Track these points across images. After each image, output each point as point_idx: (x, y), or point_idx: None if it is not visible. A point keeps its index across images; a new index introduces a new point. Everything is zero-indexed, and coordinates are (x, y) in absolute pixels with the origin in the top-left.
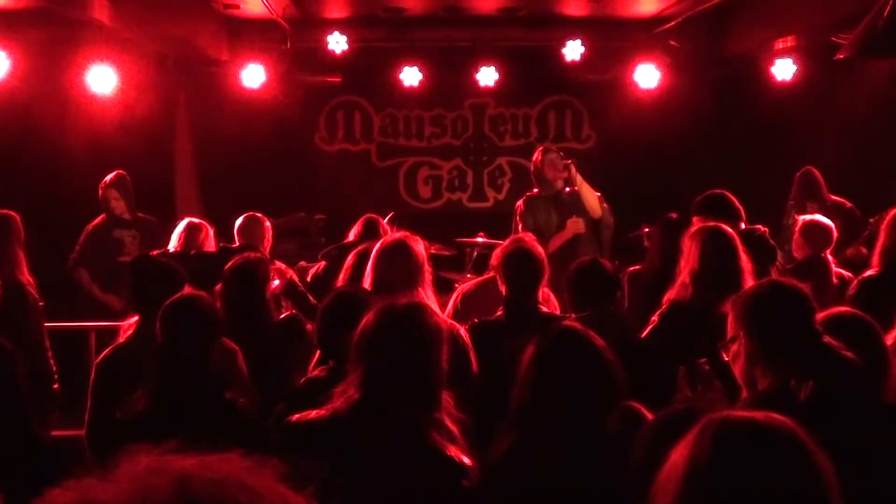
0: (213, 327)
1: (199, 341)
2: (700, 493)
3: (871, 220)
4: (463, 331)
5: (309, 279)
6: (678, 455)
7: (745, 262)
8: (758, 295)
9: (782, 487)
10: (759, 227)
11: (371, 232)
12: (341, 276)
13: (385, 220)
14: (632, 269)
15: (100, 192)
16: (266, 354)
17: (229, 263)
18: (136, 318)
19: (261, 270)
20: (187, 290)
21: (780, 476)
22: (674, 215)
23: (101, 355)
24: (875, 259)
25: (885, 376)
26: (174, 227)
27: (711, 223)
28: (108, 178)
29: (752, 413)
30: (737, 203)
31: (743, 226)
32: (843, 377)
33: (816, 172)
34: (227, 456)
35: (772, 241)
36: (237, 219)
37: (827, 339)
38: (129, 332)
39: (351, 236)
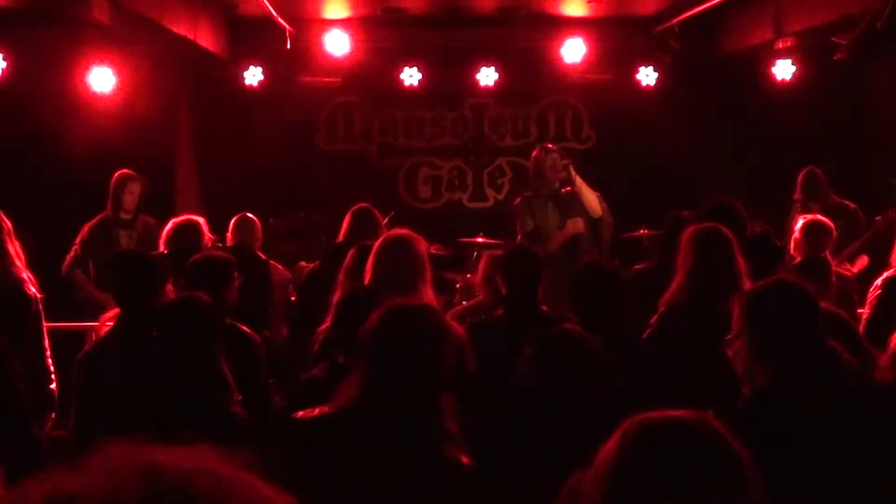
0: (211, 331)
1: (195, 344)
2: (623, 489)
3: (876, 219)
4: (460, 330)
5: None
6: (604, 453)
7: (741, 264)
8: (762, 293)
9: (702, 482)
10: (763, 224)
11: (363, 223)
12: (340, 274)
13: (385, 220)
14: (637, 266)
15: (114, 181)
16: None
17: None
18: (115, 311)
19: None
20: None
21: (700, 471)
22: (685, 213)
23: (83, 351)
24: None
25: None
26: None
27: (708, 224)
28: (128, 171)
29: (671, 412)
30: (742, 210)
31: (748, 231)
32: (842, 378)
33: (820, 172)
34: (197, 447)
35: (777, 242)
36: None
37: (829, 341)
38: (110, 326)
39: (342, 231)
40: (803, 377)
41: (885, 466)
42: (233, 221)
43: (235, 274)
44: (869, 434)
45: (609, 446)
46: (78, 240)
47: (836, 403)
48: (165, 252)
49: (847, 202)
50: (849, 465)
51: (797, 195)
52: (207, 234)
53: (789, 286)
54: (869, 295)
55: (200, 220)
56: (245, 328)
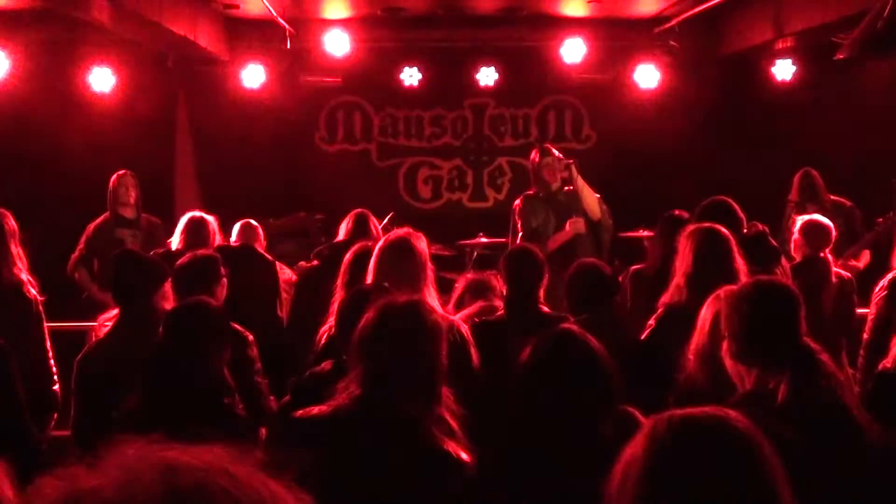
0: (220, 336)
1: (203, 349)
2: (659, 488)
3: (879, 221)
4: (463, 326)
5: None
6: (634, 451)
7: (740, 263)
8: (739, 294)
9: (737, 479)
10: (758, 224)
11: (362, 228)
12: (340, 275)
13: (385, 220)
14: (635, 267)
15: (111, 183)
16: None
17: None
18: (115, 311)
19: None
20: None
21: (734, 468)
22: (678, 212)
23: (82, 352)
24: None
25: None
26: (174, 226)
27: (706, 224)
28: (124, 171)
29: (705, 408)
30: (738, 210)
31: (745, 231)
32: (818, 379)
33: (815, 173)
34: (210, 446)
35: (773, 242)
36: (235, 221)
37: (806, 339)
38: (109, 327)
39: (341, 233)
40: (785, 378)
41: (874, 466)
42: (236, 228)
43: (222, 270)
44: (854, 435)
45: (636, 447)
46: (83, 239)
47: (818, 405)
48: (181, 248)
49: (843, 200)
50: (837, 466)
51: (793, 196)
52: (217, 235)
53: (768, 286)
54: (874, 297)
55: (211, 218)
56: (237, 326)
